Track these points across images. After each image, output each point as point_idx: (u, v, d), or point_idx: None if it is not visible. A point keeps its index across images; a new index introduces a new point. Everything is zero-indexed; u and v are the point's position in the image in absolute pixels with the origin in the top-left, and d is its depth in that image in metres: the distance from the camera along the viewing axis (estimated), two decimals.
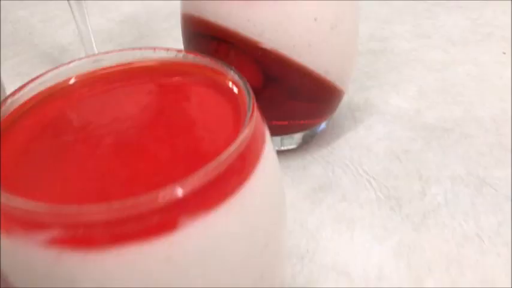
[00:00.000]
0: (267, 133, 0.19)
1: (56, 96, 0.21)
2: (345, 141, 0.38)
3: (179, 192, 0.15)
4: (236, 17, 0.29)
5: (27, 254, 0.16)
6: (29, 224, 0.15)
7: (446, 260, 0.28)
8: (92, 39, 0.43)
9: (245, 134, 0.17)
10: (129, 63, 0.22)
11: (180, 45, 0.53)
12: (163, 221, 0.15)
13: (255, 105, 0.18)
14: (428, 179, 0.34)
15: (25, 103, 0.20)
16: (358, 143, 0.37)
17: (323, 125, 0.37)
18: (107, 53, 0.21)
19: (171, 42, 0.53)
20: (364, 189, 0.33)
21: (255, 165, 0.17)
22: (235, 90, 0.19)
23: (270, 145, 0.19)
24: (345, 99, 0.40)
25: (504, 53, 0.46)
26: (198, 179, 0.15)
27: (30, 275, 0.16)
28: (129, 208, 0.15)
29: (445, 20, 0.54)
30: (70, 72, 0.21)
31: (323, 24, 0.30)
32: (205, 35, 0.32)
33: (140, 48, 0.22)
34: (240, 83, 0.19)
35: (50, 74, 0.21)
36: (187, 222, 0.15)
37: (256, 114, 0.18)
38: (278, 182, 0.19)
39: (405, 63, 0.46)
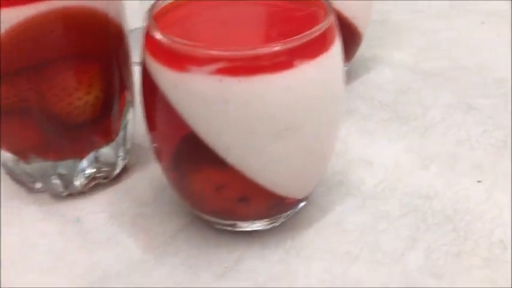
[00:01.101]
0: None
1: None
2: (361, 82, 0.47)
3: (296, 43, 0.24)
4: None
5: (198, 82, 0.24)
6: (202, 61, 0.24)
7: (446, 154, 0.38)
8: None
9: (331, 17, 0.26)
10: None
11: None
12: (285, 61, 0.24)
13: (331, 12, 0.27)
14: (428, 106, 0.43)
15: None
16: (372, 83, 0.47)
17: None
18: None
19: None
20: (378, 112, 0.43)
21: (335, 38, 0.27)
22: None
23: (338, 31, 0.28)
24: (358, 53, 0.50)
25: (483, 23, 0.57)
26: (307, 36, 0.25)
27: (197, 99, 0.25)
28: (267, 50, 0.24)
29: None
30: None
31: None
32: None
33: None
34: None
35: None
36: (300, 64, 0.25)
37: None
38: (342, 58, 0.28)
39: (404, 29, 0.56)
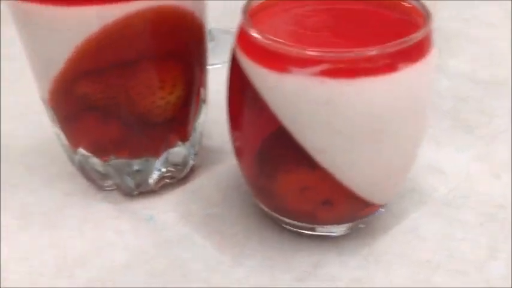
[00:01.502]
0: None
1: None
2: None
3: (400, 46, 0.24)
4: None
5: (299, 83, 0.24)
6: (305, 62, 0.24)
7: None
8: None
9: (429, 26, 0.26)
10: None
11: None
12: (389, 64, 0.24)
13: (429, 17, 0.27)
14: (491, 113, 0.43)
15: None
16: None
17: None
18: None
19: None
20: (441, 120, 0.42)
21: (432, 43, 0.26)
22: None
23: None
24: None
25: None
26: (411, 40, 0.24)
27: (296, 100, 0.25)
28: (372, 52, 0.24)
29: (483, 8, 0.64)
30: None
31: None
32: None
33: None
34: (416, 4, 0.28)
35: None
36: (403, 67, 0.24)
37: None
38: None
39: (456, 36, 0.56)
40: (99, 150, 0.33)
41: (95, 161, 0.34)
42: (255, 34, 0.25)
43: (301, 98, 0.25)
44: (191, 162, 0.36)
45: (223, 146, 0.40)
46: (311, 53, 0.24)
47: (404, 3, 0.28)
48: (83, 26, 0.27)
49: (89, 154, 0.33)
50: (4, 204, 0.35)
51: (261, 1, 0.28)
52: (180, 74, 0.31)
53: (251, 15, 0.27)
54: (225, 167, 0.38)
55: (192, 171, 0.38)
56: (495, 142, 0.40)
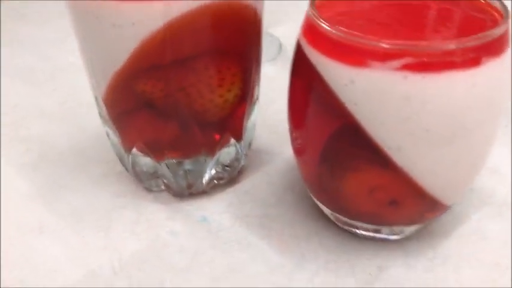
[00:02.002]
0: None
1: None
2: None
3: (485, 39, 0.23)
4: None
5: (379, 78, 0.23)
6: (386, 56, 0.23)
7: None
8: None
9: (508, 21, 0.25)
10: None
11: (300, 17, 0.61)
12: (474, 58, 0.23)
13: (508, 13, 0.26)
14: None
15: None
16: None
17: None
18: None
19: (287, 14, 0.61)
20: None
21: (509, 41, 0.25)
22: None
23: None
24: None
25: None
26: (493, 34, 0.23)
27: (374, 95, 0.24)
28: (457, 46, 0.23)
29: None
30: None
31: None
32: None
33: None
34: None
35: None
36: (486, 61, 0.24)
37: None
38: None
39: None
40: (153, 150, 0.32)
41: (147, 161, 0.33)
42: (326, 26, 0.25)
43: (379, 94, 0.24)
44: (242, 163, 0.35)
45: (271, 146, 0.39)
46: (392, 46, 0.23)
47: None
48: (148, 21, 0.26)
49: (142, 154, 0.32)
50: (54, 206, 0.34)
51: None
52: (239, 72, 0.31)
53: (318, 7, 0.26)
54: (275, 168, 0.37)
55: (241, 172, 0.37)
56: None
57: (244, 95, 0.32)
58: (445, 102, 0.24)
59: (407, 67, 0.23)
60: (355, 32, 0.24)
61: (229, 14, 0.28)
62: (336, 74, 0.25)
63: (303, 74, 0.27)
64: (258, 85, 0.34)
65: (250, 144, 0.36)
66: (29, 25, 0.60)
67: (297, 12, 0.61)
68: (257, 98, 0.34)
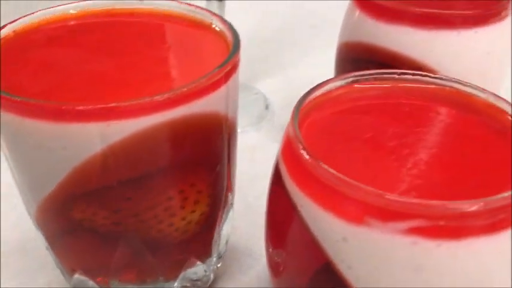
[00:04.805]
0: None
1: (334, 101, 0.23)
2: None
3: None
4: (419, 47, 0.32)
5: (380, 241, 0.18)
6: (390, 214, 0.17)
7: None
8: None
9: None
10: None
11: (287, 71, 0.56)
12: (500, 220, 0.18)
13: None
14: None
15: None
16: None
17: None
18: None
19: (274, 68, 0.56)
20: None
21: None
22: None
23: None
24: None
25: None
26: None
27: (373, 261, 0.18)
28: (488, 206, 0.17)
29: None
30: None
31: (493, 58, 0.33)
32: (374, 62, 0.34)
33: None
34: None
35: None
36: None
37: None
38: None
39: None
40: (98, 275, 0.26)
41: (93, 285, 0.27)
42: (312, 162, 0.19)
43: (379, 260, 0.18)
44: (212, 277, 0.29)
45: (251, 243, 0.33)
46: (398, 201, 0.17)
47: (504, 116, 0.22)
48: (82, 145, 0.20)
49: (86, 277, 0.26)
50: None
51: (311, 100, 0.22)
52: (206, 187, 0.25)
53: (303, 120, 0.21)
54: (250, 276, 0.31)
55: (214, 282, 0.31)
56: None
57: (215, 209, 0.26)
58: (466, 275, 0.18)
59: (417, 231, 0.17)
60: (350, 180, 0.18)
61: (191, 126, 0.22)
62: (324, 226, 0.19)
63: (282, 210, 0.21)
64: (233, 189, 0.28)
65: (221, 257, 0.30)
66: None
67: (285, 64, 0.56)
68: (232, 204, 0.29)
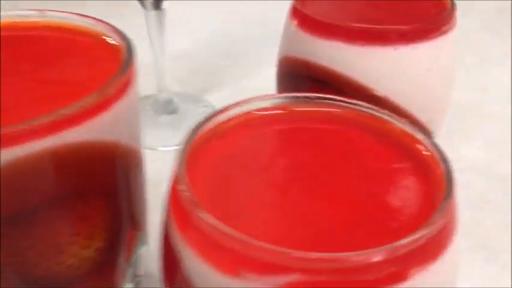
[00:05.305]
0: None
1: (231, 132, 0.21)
2: None
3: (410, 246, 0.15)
4: (353, 64, 0.30)
5: None
6: (264, 267, 0.15)
7: None
8: (165, 71, 0.43)
9: (451, 208, 0.17)
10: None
11: (241, 84, 0.54)
12: (395, 272, 0.15)
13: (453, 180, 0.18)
14: None
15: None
16: None
17: None
18: None
19: (227, 79, 0.54)
20: None
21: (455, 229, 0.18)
22: (422, 148, 0.19)
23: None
24: None
25: None
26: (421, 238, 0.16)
27: None
28: (362, 259, 0.15)
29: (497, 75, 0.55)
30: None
31: (434, 75, 0.31)
32: (309, 78, 0.32)
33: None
34: (429, 143, 0.19)
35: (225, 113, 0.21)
36: (415, 274, 0.16)
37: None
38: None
39: (466, 113, 0.47)
40: None
41: None
42: (189, 206, 0.17)
43: None
44: None
45: None
46: (273, 252, 0.15)
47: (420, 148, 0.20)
48: None
49: None
50: None
51: (203, 132, 0.19)
52: (101, 220, 0.22)
53: (191, 160, 0.18)
54: None
55: None
56: None
57: (116, 242, 0.24)
58: None
59: (294, 286, 0.15)
60: (224, 228, 0.16)
61: (73, 155, 0.20)
62: (203, 277, 0.17)
63: (168, 255, 0.19)
64: (144, 225, 0.26)
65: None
66: None
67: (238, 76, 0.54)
68: (144, 241, 0.26)
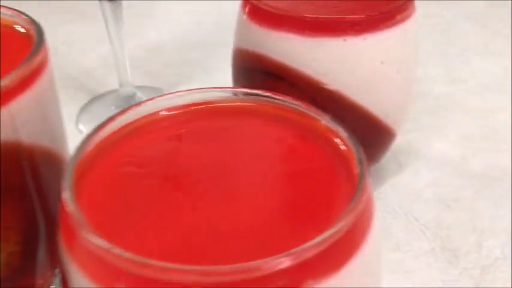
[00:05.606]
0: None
1: (134, 135, 0.19)
2: (392, 186, 0.36)
3: (307, 254, 0.14)
4: (302, 56, 0.28)
5: None
6: (139, 281, 0.14)
7: None
8: (127, 64, 0.42)
9: (358, 210, 0.15)
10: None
11: (213, 77, 0.53)
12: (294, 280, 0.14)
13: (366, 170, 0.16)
14: (483, 231, 0.33)
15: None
16: (406, 189, 0.36)
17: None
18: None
19: (199, 71, 0.52)
20: (417, 238, 0.32)
21: (367, 232, 0.16)
22: (342, 147, 0.18)
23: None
24: None
25: None
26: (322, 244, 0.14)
27: None
28: (246, 272, 0.13)
29: (479, 65, 0.53)
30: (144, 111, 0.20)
31: (389, 68, 0.29)
32: (262, 72, 0.31)
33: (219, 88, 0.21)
34: (350, 141, 0.17)
35: (128, 113, 0.19)
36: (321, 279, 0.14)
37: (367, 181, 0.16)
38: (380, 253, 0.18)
39: (444, 107, 0.46)
40: None
41: None
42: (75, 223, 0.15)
43: None
44: None
45: None
46: (158, 269, 0.14)
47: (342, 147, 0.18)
48: None
49: None
50: None
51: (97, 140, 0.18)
52: (15, 223, 0.21)
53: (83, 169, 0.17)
54: None
55: None
56: (486, 278, 0.30)
57: (34, 244, 0.23)
58: None
59: None
60: (117, 249, 0.14)
61: None
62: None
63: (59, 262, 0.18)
64: None
65: None
66: None
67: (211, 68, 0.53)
68: None
